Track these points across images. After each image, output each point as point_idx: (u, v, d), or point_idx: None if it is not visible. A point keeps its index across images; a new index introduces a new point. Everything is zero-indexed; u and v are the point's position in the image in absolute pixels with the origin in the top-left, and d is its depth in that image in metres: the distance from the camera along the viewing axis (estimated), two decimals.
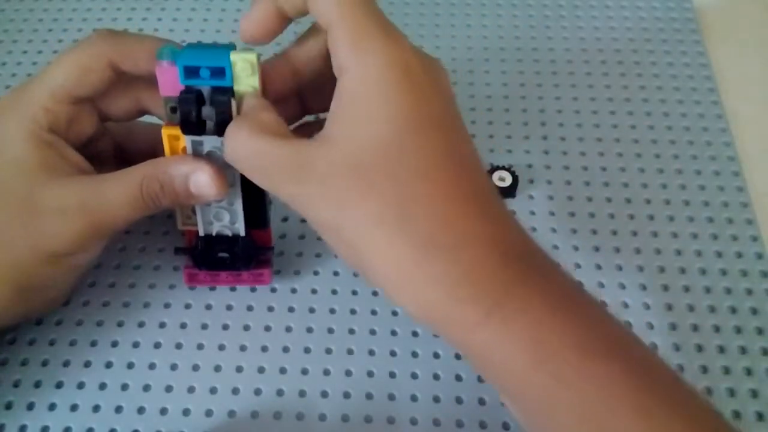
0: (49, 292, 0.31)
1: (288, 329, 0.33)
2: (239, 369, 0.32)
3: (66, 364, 0.32)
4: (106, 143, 0.33)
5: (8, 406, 0.31)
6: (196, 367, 0.32)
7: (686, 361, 0.32)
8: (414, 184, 0.24)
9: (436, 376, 0.32)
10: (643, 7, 0.48)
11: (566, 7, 0.48)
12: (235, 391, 0.31)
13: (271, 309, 0.34)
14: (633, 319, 0.34)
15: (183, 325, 0.33)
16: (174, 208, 0.30)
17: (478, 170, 0.26)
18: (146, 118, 0.32)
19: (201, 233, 0.31)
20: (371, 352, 0.32)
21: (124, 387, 0.31)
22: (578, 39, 0.46)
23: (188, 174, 0.28)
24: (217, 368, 0.32)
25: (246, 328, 0.33)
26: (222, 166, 0.28)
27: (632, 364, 0.24)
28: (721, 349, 0.33)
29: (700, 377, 0.32)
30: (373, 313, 0.34)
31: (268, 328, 0.33)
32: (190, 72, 0.27)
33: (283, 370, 0.32)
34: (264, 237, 0.32)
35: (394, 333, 0.33)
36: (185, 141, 0.28)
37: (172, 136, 0.29)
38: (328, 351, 0.33)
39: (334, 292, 0.34)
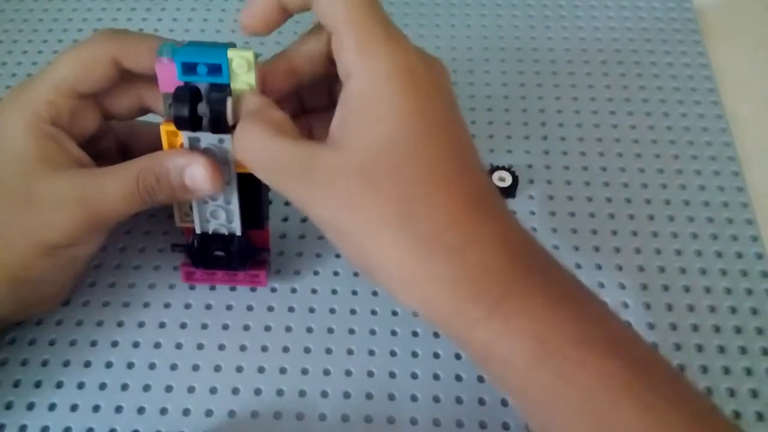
0: (47, 287, 0.31)
1: (288, 329, 0.33)
2: (239, 369, 0.32)
3: (66, 364, 0.32)
4: (109, 141, 0.33)
5: (8, 406, 0.31)
6: (196, 367, 0.32)
7: (686, 361, 0.32)
8: (418, 185, 0.24)
9: (436, 376, 0.32)
10: (643, 7, 0.48)
11: (566, 7, 0.48)
12: (235, 391, 0.31)
13: (271, 309, 0.34)
14: (633, 319, 0.34)
15: (183, 325, 0.33)
16: (171, 202, 0.30)
17: (479, 170, 0.26)
18: (150, 118, 0.32)
19: (197, 231, 0.31)
20: (371, 352, 0.32)
21: (124, 387, 0.31)
22: (578, 39, 0.46)
23: (184, 167, 0.28)
24: (217, 368, 0.32)
25: (246, 328, 0.33)
26: (219, 163, 0.28)
27: (633, 361, 0.24)
28: (721, 349, 0.33)
29: (700, 377, 0.32)
30: (373, 313, 0.34)
31: (268, 328, 0.33)
32: (188, 68, 0.27)
33: (283, 370, 0.32)
34: (261, 237, 0.32)
35: (394, 333, 0.33)
36: (182, 137, 0.28)
37: (170, 132, 0.29)
38: (328, 351, 0.33)
39: (334, 292, 0.34)
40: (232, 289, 0.34)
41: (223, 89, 0.27)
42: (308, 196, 0.25)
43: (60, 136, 0.29)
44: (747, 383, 0.32)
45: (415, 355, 0.32)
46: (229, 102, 0.27)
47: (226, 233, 0.31)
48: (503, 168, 0.38)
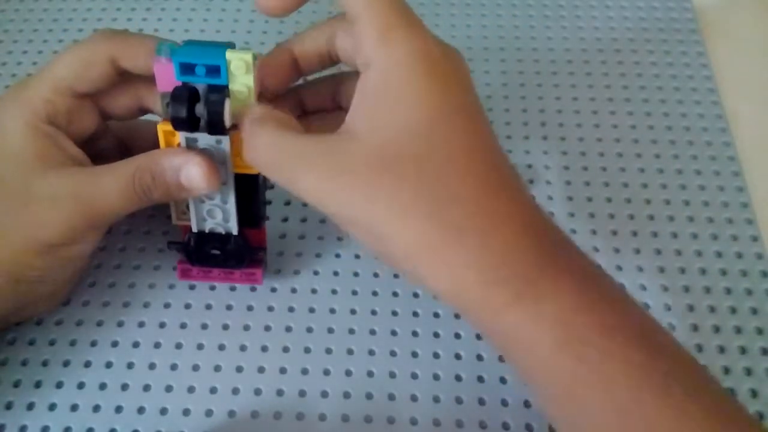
0: (45, 286, 0.31)
1: (288, 329, 0.33)
2: (239, 369, 0.32)
3: (66, 364, 0.32)
4: (108, 141, 0.33)
5: (8, 406, 0.31)
6: (196, 367, 0.32)
7: None
8: (444, 171, 0.24)
9: (436, 376, 0.32)
10: (643, 7, 0.48)
11: (566, 7, 0.48)
12: (235, 391, 0.31)
13: (271, 309, 0.34)
14: None
15: (183, 325, 0.33)
16: (167, 201, 0.30)
17: (501, 155, 0.26)
18: (150, 118, 0.32)
19: (194, 229, 0.31)
20: (371, 352, 0.32)
21: (124, 387, 0.31)
22: (578, 39, 0.46)
23: (180, 166, 0.28)
24: (217, 368, 0.32)
25: (246, 328, 0.33)
26: (216, 162, 0.28)
27: (655, 349, 0.24)
28: (721, 349, 0.33)
29: None
30: (373, 313, 0.34)
31: (268, 328, 0.33)
32: (186, 68, 0.27)
33: (283, 370, 0.32)
34: (258, 237, 0.32)
35: (394, 333, 0.33)
36: (179, 137, 0.28)
37: (167, 131, 0.29)
38: (328, 351, 0.33)
39: (334, 292, 0.34)
40: (232, 289, 0.34)
41: (221, 90, 0.27)
42: (325, 189, 0.25)
43: (57, 135, 0.29)
44: (747, 383, 0.32)
45: (415, 355, 0.32)
46: (227, 103, 0.27)
47: (223, 232, 0.31)
48: None
